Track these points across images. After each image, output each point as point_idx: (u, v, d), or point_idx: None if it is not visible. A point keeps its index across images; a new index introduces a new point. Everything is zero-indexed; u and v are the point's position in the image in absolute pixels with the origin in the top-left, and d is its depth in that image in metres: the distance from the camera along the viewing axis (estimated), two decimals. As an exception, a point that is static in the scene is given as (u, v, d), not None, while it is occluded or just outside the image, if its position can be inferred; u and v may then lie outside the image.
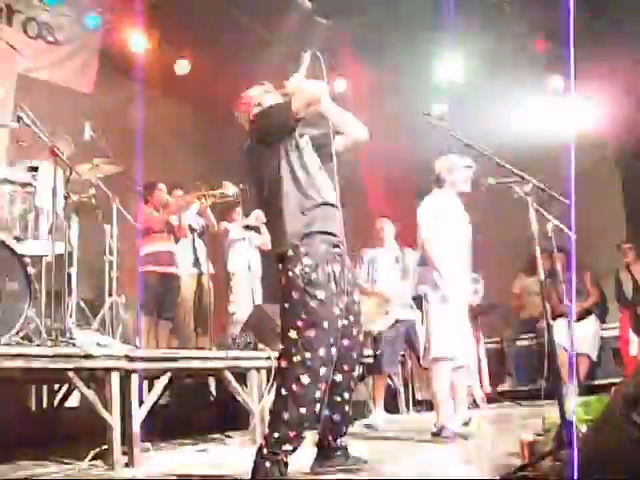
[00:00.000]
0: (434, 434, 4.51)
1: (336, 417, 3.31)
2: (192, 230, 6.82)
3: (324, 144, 3.39)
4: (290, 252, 3.15)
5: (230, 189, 6.28)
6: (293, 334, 3.10)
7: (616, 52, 6.64)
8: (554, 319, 4.57)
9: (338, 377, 3.25)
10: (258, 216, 6.82)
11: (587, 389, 6.29)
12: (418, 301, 4.74)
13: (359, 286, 4.80)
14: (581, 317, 6.95)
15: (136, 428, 4.04)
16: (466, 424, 4.68)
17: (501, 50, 7.95)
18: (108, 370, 3.97)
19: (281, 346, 3.20)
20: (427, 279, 4.65)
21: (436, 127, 3.84)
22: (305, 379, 3.05)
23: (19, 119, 4.37)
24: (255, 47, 7.63)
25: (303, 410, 3.05)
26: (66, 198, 4.65)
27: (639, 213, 6.69)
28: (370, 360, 5.88)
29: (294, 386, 3.05)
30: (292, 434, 3.04)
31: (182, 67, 8.28)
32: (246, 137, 3.44)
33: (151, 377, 4.69)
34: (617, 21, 6.61)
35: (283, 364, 3.13)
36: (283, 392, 3.08)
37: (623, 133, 6.77)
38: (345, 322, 3.24)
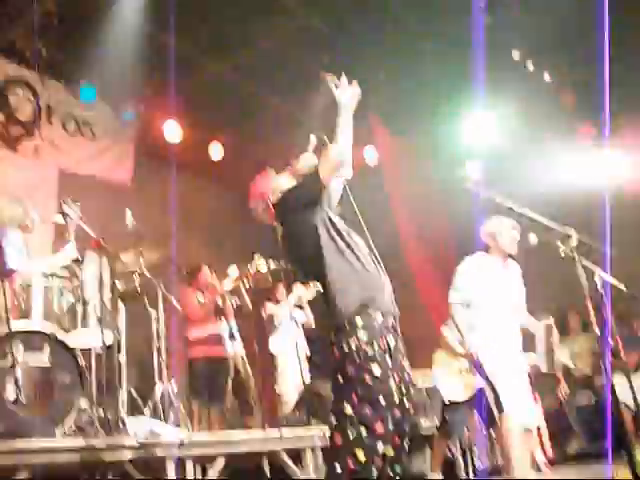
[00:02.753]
0: None
1: None
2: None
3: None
4: (345, 325, 3.12)
5: (263, 266, 6.32)
6: (348, 410, 3.04)
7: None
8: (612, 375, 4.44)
9: (389, 451, 3.16)
10: (301, 295, 6.85)
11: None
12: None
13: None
14: (638, 367, 6.74)
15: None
16: None
17: (529, 107, 7.98)
18: (164, 458, 3.93)
19: (334, 422, 3.13)
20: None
21: (473, 190, 3.85)
22: (361, 456, 2.98)
23: (64, 214, 4.49)
24: (287, 127, 7.80)
25: None
26: (112, 287, 4.72)
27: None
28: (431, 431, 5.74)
29: (350, 463, 2.98)
30: None
31: (216, 151, 8.51)
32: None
33: (204, 464, 4.63)
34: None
35: (337, 440, 3.06)
36: (338, 470, 2.99)
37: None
38: (400, 395, 3.17)
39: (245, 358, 6.84)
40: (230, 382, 6.67)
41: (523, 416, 4.46)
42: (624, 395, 5.26)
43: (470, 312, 4.64)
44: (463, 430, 5.96)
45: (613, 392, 3.38)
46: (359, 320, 3.10)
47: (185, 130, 8.06)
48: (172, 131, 7.94)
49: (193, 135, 8.20)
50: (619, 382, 5.05)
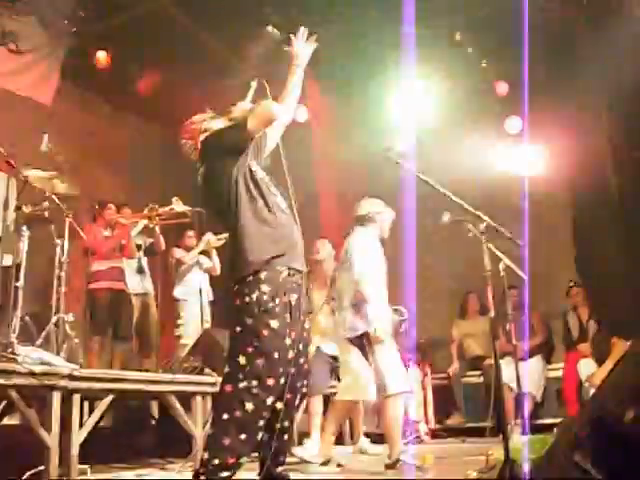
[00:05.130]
0: (388, 466, 4.49)
1: (275, 445, 3.23)
2: (138, 248, 6.79)
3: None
4: (249, 277, 3.12)
5: (180, 206, 6.28)
6: (242, 360, 3.06)
7: (570, 99, 6.84)
8: (502, 358, 4.63)
9: (279, 405, 3.21)
10: (209, 241, 6.82)
11: (530, 428, 6.35)
12: (357, 339, 4.71)
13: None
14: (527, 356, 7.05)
15: (75, 450, 3.94)
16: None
17: (462, 90, 8.11)
18: (50, 389, 3.87)
19: (227, 369, 3.15)
20: (365, 316, 4.65)
21: (395, 163, 3.90)
22: (249, 406, 3.01)
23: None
24: (222, 72, 7.65)
25: (244, 437, 3.00)
26: (18, 209, 4.57)
27: (589, 258, 6.84)
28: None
29: (237, 412, 3.00)
30: (231, 460, 2.98)
31: (145, 85, 8.27)
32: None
33: (93, 398, 4.59)
34: (572, 70, 6.82)
35: (228, 388, 3.07)
36: (225, 417, 3.01)
37: (577, 179, 6.96)
38: (295, 351, 3.22)
39: (153, 297, 6.80)
40: (134, 320, 6.65)
41: (407, 386, 4.65)
42: (509, 378, 5.56)
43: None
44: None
45: (498, 374, 3.51)
46: (264, 274, 3.12)
47: (115, 60, 7.78)
48: (102, 59, 7.66)
49: (123, 66, 7.93)
50: (506, 366, 5.32)
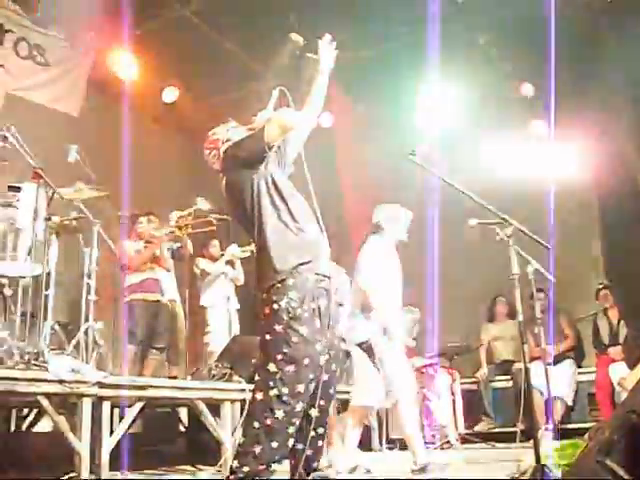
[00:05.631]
0: (415, 472, 4.48)
1: (309, 452, 3.24)
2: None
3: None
4: (277, 284, 3.13)
5: (204, 204, 6.29)
6: (272, 367, 3.07)
7: (597, 100, 6.78)
8: (530, 362, 4.59)
9: (314, 412, 3.21)
10: (233, 253, 6.89)
11: (562, 433, 6.28)
12: (366, 345, 4.72)
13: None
14: (557, 361, 6.97)
15: (105, 456, 3.97)
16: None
17: (487, 93, 8.07)
18: (80, 396, 3.91)
19: (257, 378, 3.16)
20: (372, 323, 4.69)
21: (419, 166, 3.88)
22: (280, 413, 3.01)
23: (4, 138, 4.35)
24: (245, 80, 7.70)
25: (275, 444, 3.00)
26: (47, 220, 4.62)
27: (617, 260, 6.75)
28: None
29: (268, 420, 3.01)
30: (261, 468, 2.99)
31: (170, 95, 8.33)
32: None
33: (122, 406, 4.63)
34: (598, 70, 6.76)
35: (258, 396, 3.08)
36: (256, 425, 3.03)
37: (604, 180, 6.88)
38: (326, 357, 3.22)
39: (180, 305, 6.83)
40: (165, 329, 6.67)
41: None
42: (539, 382, 5.50)
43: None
44: None
45: (528, 378, 3.48)
46: (291, 280, 3.12)
47: (141, 70, 7.85)
48: (127, 68, 7.73)
49: (149, 77, 8.00)
50: (536, 370, 5.26)
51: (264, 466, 2.99)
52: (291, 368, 3.05)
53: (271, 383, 3.05)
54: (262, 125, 3.33)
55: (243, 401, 4.87)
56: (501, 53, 7.85)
